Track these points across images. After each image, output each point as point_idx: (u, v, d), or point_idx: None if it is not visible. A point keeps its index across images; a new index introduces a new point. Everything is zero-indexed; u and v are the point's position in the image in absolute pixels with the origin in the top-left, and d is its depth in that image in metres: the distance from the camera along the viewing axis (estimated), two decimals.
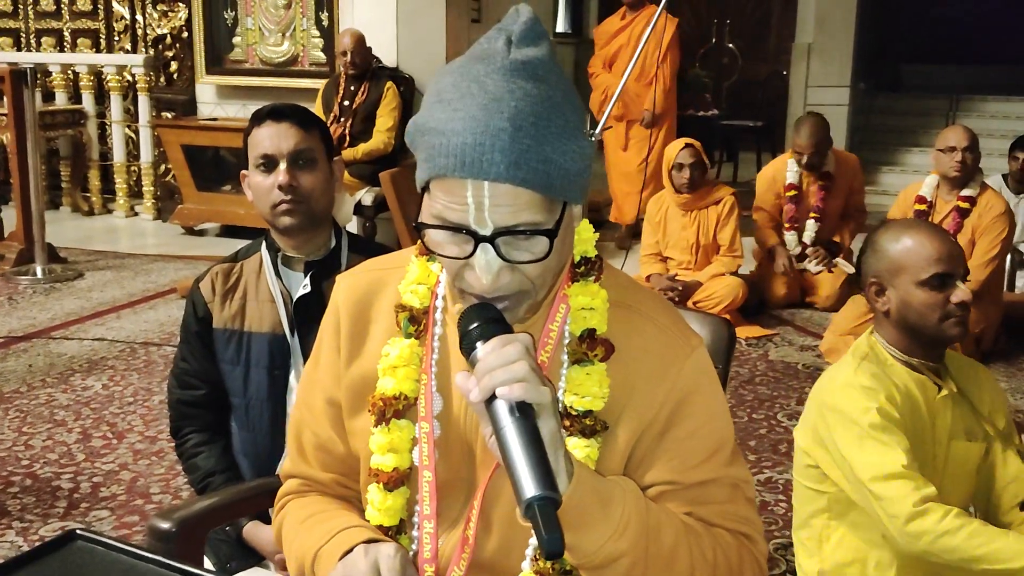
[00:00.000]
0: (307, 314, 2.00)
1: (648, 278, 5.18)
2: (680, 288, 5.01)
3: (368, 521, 1.28)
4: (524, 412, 1.00)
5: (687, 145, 5.09)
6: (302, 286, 2.01)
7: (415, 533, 1.26)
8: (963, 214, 4.46)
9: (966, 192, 4.47)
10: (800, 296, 5.42)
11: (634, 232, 6.29)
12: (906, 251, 1.97)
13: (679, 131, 6.78)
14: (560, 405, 1.18)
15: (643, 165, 6.25)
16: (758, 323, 5.04)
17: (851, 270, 5.35)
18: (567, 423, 1.17)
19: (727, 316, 4.87)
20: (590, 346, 1.18)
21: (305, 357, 1.96)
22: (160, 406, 3.78)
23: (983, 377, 2.10)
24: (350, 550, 1.20)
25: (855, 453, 1.91)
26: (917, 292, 1.95)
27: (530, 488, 0.95)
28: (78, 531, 1.30)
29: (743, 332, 4.83)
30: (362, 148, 5.99)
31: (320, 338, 1.35)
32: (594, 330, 1.19)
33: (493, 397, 1.01)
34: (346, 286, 1.34)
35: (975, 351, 4.46)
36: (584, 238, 1.23)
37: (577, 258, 1.23)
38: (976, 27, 11.74)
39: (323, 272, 2.01)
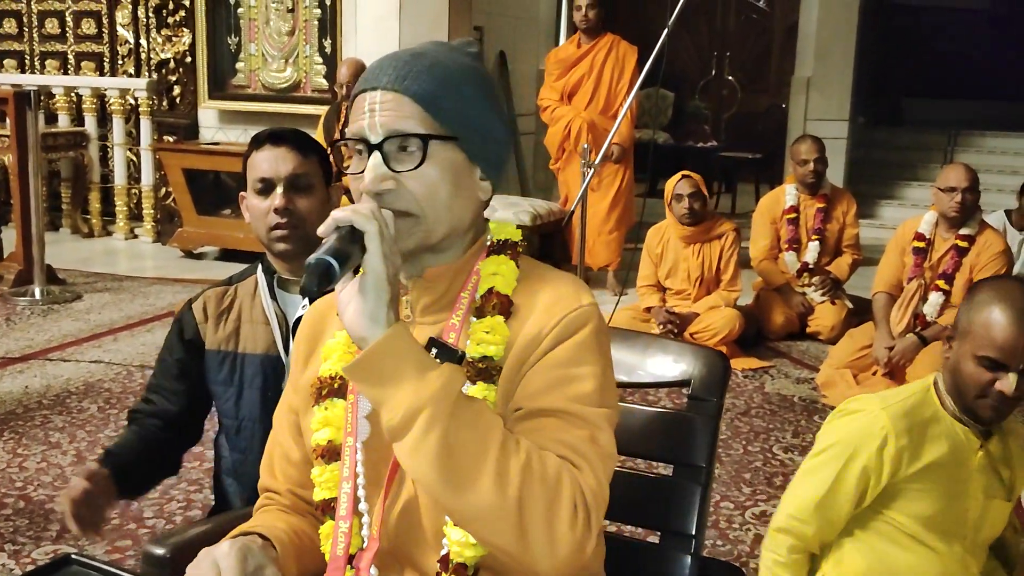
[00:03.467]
0: None
1: (648, 310, 5.20)
2: (678, 321, 5.02)
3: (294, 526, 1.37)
4: (354, 236, 1.13)
5: (684, 176, 5.12)
6: (301, 307, 2.02)
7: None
8: (961, 253, 4.47)
9: (965, 231, 4.47)
10: (800, 327, 5.43)
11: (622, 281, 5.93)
12: (983, 320, 1.92)
13: (677, 163, 6.78)
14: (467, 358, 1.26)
15: (619, 204, 6.21)
16: (755, 355, 5.04)
17: (850, 305, 5.38)
18: (467, 370, 1.23)
19: (723, 348, 4.89)
20: (487, 299, 1.27)
21: None
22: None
23: (1021, 431, 2.11)
24: None
25: (805, 462, 1.99)
26: (969, 362, 1.92)
27: (316, 255, 1.10)
28: (73, 555, 1.30)
29: (739, 364, 4.83)
30: None
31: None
32: (493, 287, 1.28)
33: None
34: (311, 306, 1.49)
35: None
36: (508, 231, 1.35)
37: (496, 240, 1.33)
38: (975, 63, 11.83)
39: (319, 294, 2.02)
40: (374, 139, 1.23)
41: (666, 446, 1.64)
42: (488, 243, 1.33)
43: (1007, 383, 1.87)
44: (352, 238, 1.13)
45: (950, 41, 11.99)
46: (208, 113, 7.45)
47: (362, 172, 1.24)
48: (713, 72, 11.13)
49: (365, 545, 1.30)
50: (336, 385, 1.33)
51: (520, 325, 1.26)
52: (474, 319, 1.27)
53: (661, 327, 5.03)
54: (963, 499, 1.98)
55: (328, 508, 1.33)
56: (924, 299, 4.57)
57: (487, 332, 1.24)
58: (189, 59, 7.48)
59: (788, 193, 5.51)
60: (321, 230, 1.14)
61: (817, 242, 5.44)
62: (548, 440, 1.17)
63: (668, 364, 1.69)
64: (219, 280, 2.19)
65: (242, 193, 2.09)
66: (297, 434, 1.41)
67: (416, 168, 1.22)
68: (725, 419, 4.09)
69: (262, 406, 2.02)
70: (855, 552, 2.02)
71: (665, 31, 3.91)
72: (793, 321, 5.39)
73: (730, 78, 11.00)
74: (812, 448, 2.05)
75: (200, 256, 7.08)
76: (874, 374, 4.58)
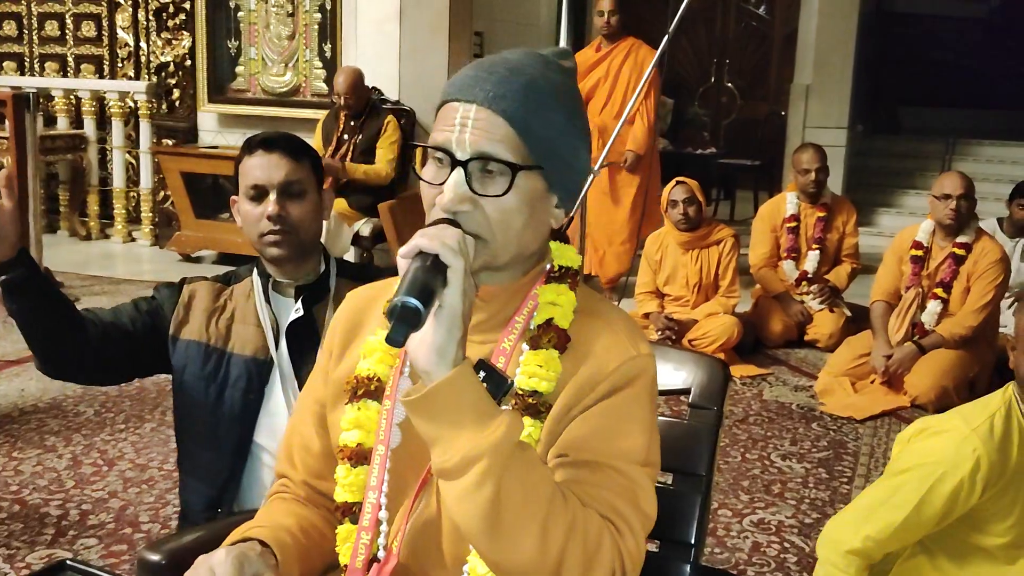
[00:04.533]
0: (300, 339, 2.02)
1: (646, 316, 5.19)
2: (676, 328, 5.02)
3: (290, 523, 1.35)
4: (437, 267, 1.08)
5: (680, 182, 5.13)
6: (294, 310, 2.03)
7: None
8: (959, 260, 4.47)
9: (962, 239, 4.48)
10: (798, 335, 5.42)
11: (620, 290, 5.84)
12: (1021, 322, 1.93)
13: (676, 169, 6.74)
14: (515, 388, 1.22)
15: (636, 214, 6.00)
16: (753, 362, 5.04)
17: (849, 313, 5.37)
18: (514, 402, 1.21)
19: (722, 355, 4.89)
20: (544, 331, 1.23)
21: (299, 382, 1.98)
22: (152, 433, 3.77)
23: None
24: None
25: (882, 482, 1.97)
26: None
27: (400, 293, 1.05)
28: (68, 561, 1.29)
29: (738, 371, 4.82)
30: (364, 167, 5.97)
31: (321, 349, 1.44)
32: (552, 319, 1.25)
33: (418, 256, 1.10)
34: (349, 297, 1.45)
35: (969, 395, 4.46)
36: (569, 256, 1.31)
37: (556, 266, 1.30)
38: (973, 72, 11.85)
39: (313, 297, 2.05)
40: (461, 155, 1.19)
41: (666, 454, 1.61)
42: (548, 267, 1.30)
43: None
44: (436, 268, 1.08)
45: (948, 50, 12.01)
46: (207, 117, 7.44)
47: (440, 184, 1.20)
48: (712, 79, 11.14)
49: (382, 555, 1.28)
50: (373, 387, 1.30)
51: (574, 364, 1.23)
52: (526, 347, 1.24)
53: (659, 333, 5.02)
54: None
55: (348, 511, 1.31)
56: (922, 308, 4.57)
57: (540, 366, 1.21)
58: (189, 62, 7.47)
59: (789, 202, 5.50)
60: (403, 251, 1.10)
61: (817, 251, 5.44)
62: (592, 497, 1.16)
63: (668, 372, 1.68)
64: (218, 275, 2.19)
65: (233, 197, 2.10)
66: (321, 425, 1.40)
67: (500, 196, 1.19)
68: (723, 426, 4.07)
69: (242, 407, 2.02)
70: (932, 572, 2.01)
71: (665, 38, 3.91)
72: (791, 329, 5.38)
73: (729, 85, 11.01)
74: (889, 467, 2.03)
75: (198, 260, 7.07)
76: (872, 382, 4.57)
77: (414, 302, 1.04)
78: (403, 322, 1.04)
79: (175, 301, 2.09)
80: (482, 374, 1.14)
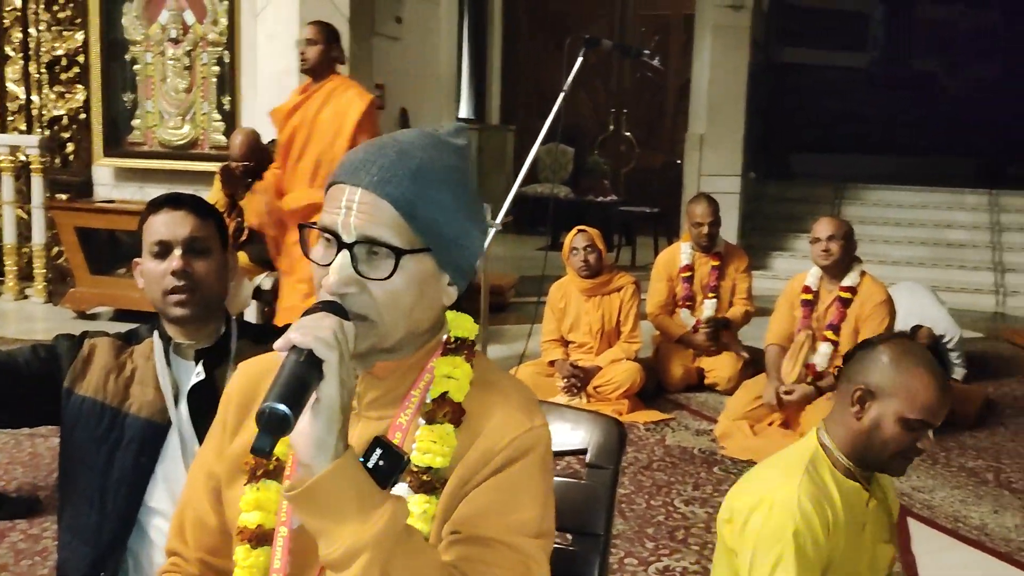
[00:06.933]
0: (201, 402, 1.98)
1: (551, 363, 5.25)
2: (581, 375, 5.09)
3: None
4: (312, 362, 1.08)
5: (580, 230, 5.25)
6: (195, 374, 2.00)
7: None
8: (845, 303, 4.64)
9: (847, 282, 4.66)
10: (698, 379, 5.55)
11: None
12: (908, 383, 1.96)
13: (579, 217, 6.83)
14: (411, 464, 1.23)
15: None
16: (655, 407, 5.13)
17: (746, 355, 5.52)
18: (410, 479, 1.22)
19: (626, 401, 4.97)
20: (439, 406, 1.24)
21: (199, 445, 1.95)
22: (48, 500, 3.65)
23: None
24: None
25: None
26: (893, 425, 1.95)
27: (270, 398, 1.04)
28: None
29: (640, 417, 4.91)
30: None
31: (214, 420, 1.42)
32: (447, 392, 1.26)
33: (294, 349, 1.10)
34: (242, 368, 1.43)
35: None
36: (466, 327, 1.33)
37: (452, 337, 1.31)
38: (858, 119, 12.38)
39: (214, 359, 2.02)
40: (347, 238, 1.19)
41: (564, 515, 1.63)
42: (445, 338, 1.31)
43: (929, 441, 1.96)
44: (310, 363, 1.08)
45: (834, 99, 12.55)
46: (103, 171, 7.31)
47: (327, 265, 1.20)
48: (611, 128, 11.39)
49: None
50: (271, 467, 1.29)
51: (470, 437, 1.24)
52: (422, 421, 1.24)
53: (565, 381, 5.08)
54: (856, 556, 1.98)
55: None
56: (813, 350, 4.72)
57: (434, 442, 1.22)
58: (83, 115, 7.33)
59: (683, 252, 5.66)
60: (278, 345, 1.10)
61: (714, 300, 5.60)
62: (482, 575, 1.17)
63: (565, 431, 1.70)
64: (119, 332, 2.14)
65: (136, 260, 2.07)
66: (216, 501, 1.37)
67: (385, 279, 1.19)
68: (628, 474, 4.14)
69: (132, 470, 1.97)
70: None
71: (561, 95, 4.01)
72: (691, 373, 5.51)
73: (627, 134, 11.27)
74: (742, 564, 1.95)
75: (94, 316, 6.89)
76: (770, 424, 4.69)
77: (282, 409, 1.03)
78: (269, 430, 1.04)
79: (74, 354, 2.04)
80: (378, 452, 1.15)
